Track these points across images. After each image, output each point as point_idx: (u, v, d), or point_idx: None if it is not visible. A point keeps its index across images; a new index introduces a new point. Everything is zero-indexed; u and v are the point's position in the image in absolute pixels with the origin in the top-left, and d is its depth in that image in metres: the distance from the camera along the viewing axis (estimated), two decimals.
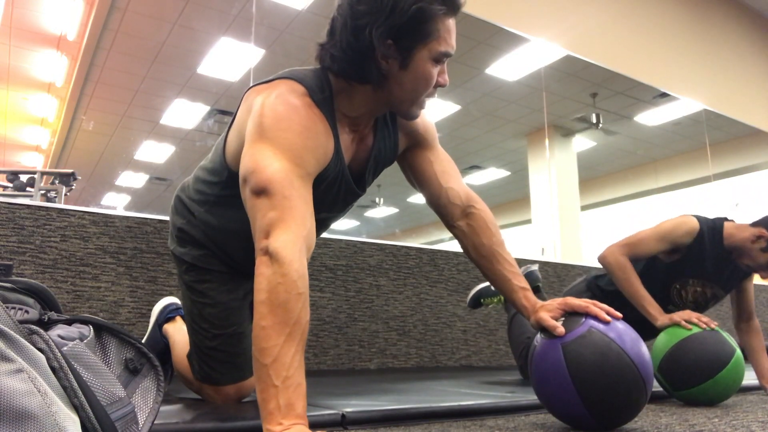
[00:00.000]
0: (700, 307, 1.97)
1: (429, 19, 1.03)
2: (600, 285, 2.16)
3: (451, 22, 1.07)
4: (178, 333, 1.64)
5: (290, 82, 1.08)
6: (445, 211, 1.32)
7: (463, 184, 1.33)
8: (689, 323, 1.58)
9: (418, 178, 1.33)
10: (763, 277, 1.88)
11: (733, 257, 1.89)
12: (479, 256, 1.30)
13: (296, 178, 0.97)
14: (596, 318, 1.08)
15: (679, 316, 1.61)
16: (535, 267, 2.47)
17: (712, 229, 1.88)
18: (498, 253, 1.27)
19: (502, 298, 2.44)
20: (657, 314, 1.69)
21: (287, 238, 0.91)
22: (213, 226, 1.34)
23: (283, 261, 0.88)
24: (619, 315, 1.11)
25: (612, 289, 2.09)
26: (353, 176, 1.22)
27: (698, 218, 1.89)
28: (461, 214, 1.31)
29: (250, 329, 1.21)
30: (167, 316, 1.73)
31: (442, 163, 1.32)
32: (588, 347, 1.04)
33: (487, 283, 2.50)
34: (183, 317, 1.69)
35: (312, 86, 1.08)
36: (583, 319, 1.08)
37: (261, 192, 0.95)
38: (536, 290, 2.40)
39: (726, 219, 1.95)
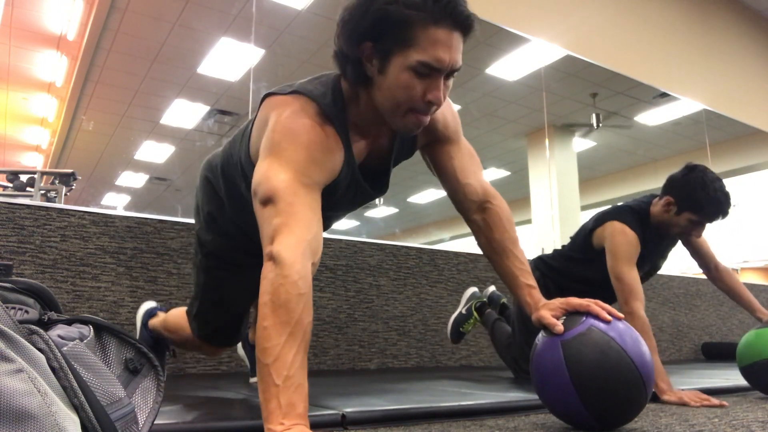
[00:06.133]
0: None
1: (403, 25, 0.99)
2: (546, 261, 2.20)
3: (441, 34, 1.00)
4: (164, 317, 1.76)
5: (304, 100, 1.10)
6: (462, 206, 1.33)
7: (482, 179, 1.33)
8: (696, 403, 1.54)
9: (438, 172, 1.34)
10: (696, 237, 1.94)
11: (664, 233, 1.95)
12: (491, 251, 1.31)
13: (301, 187, 1.00)
14: (597, 317, 1.08)
15: (688, 397, 1.56)
16: (493, 288, 2.59)
17: (639, 218, 1.93)
18: (509, 249, 1.28)
19: (476, 316, 2.47)
20: (667, 387, 1.64)
21: (290, 241, 0.94)
22: (241, 217, 1.36)
23: (285, 263, 0.91)
24: (621, 315, 1.11)
25: (557, 265, 2.16)
26: (369, 176, 1.23)
27: (621, 218, 1.92)
28: (477, 209, 1.32)
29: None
30: (150, 315, 1.85)
31: (462, 158, 1.31)
32: (588, 345, 1.04)
33: (455, 314, 2.55)
34: (163, 312, 1.84)
35: (325, 103, 1.10)
36: (584, 318, 1.08)
37: (267, 201, 0.98)
38: (504, 307, 2.44)
39: (650, 199, 1.99)
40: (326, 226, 1.40)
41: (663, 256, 2.10)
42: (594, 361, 1.03)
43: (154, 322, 1.82)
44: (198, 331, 1.54)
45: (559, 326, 1.09)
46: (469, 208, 1.32)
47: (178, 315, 1.66)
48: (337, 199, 1.20)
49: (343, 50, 1.07)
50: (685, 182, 1.83)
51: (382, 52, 1.03)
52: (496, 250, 1.29)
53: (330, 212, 1.28)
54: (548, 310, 1.14)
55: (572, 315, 1.11)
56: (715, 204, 1.79)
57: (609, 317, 1.08)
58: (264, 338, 0.87)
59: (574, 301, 1.13)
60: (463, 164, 1.31)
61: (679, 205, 1.85)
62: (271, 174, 1.00)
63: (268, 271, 0.92)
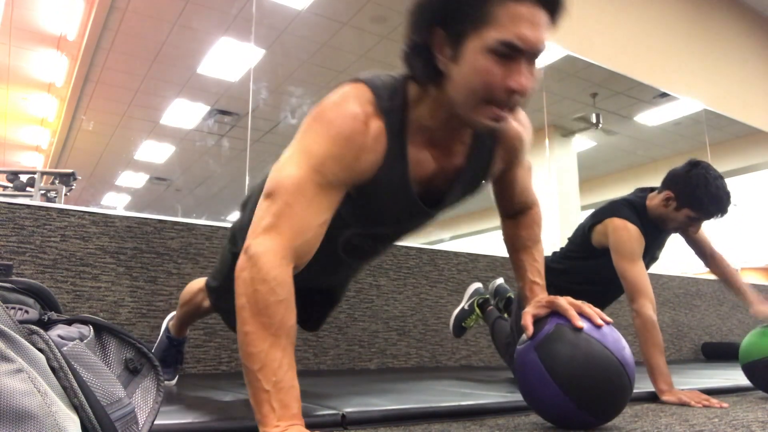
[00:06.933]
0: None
1: (478, 1, 0.88)
2: (548, 265, 2.17)
3: (523, 9, 0.87)
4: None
5: (361, 87, 1.00)
6: (504, 208, 1.33)
7: (532, 191, 1.31)
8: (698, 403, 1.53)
9: (498, 189, 1.28)
10: (693, 233, 1.93)
11: (661, 226, 1.93)
12: (511, 246, 1.32)
13: (311, 186, 0.92)
14: (562, 316, 1.09)
15: (688, 397, 1.55)
16: (501, 280, 2.56)
17: (636, 212, 1.90)
18: (526, 246, 1.29)
19: (478, 312, 2.48)
20: (667, 388, 1.62)
21: (272, 244, 0.88)
22: None
23: (262, 267, 0.86)
24: (592, 315, 1.09)
25: (560, 267, 2.12)
26: (429, 194, 1.09)
27: (620, 213, 1.89)
28: (516, 213, 1.33)
29: None
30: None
31: (524, 178, 1.26)
32: (558, 342, 1.06)
33: (457, 309, 2.55)
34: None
35: (382, 94, 0.99)
36: (550, 318, 1.10)
37: (268, 194, 0.93)
38: (510, 301, 2.44)
39: (645, 192, 1.97)
40: (370, 248, 1.28)
41: (661, 247, 2.08)
42: (568, 355, 1.04)
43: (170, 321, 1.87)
44: (214, 302, 1.52)
45: (529, 330, 1.09)
46: (510, 212, 1.32)
47: (195, 282, 1.68)
48: (378, 210, 1.08)
49: (413, 41, 0.96)
50: (687, 178, 1.80)
51: (455, 37, 0.90)
52: (515, 244, 1.31)
53: (372, 227, 1.16)
54: (534, 308, 1.14)
55: (540, 319, 1.12)
56: (716, 202, 1.77)
57: (577, 318, 1.07)
58: (247, 343, 0.84)
59: (559, 300, 1.12)
60: (525, 184, 1.27)
61: (679, 200, 1.83)
62: (285, 166, 0.94)
63: (242, 268, 0.87)
